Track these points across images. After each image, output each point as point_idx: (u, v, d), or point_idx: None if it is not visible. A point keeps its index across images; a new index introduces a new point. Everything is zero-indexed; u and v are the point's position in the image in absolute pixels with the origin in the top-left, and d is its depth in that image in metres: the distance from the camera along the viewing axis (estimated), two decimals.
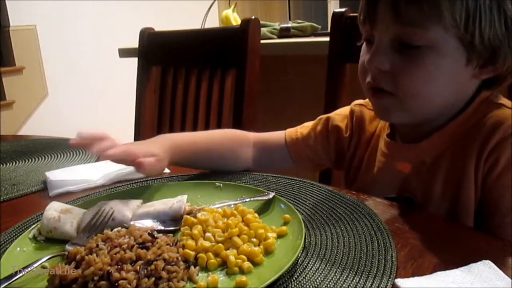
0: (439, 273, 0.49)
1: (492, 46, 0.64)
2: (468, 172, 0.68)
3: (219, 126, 1.35)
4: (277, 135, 0.94)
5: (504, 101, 0.71)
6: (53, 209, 0.64)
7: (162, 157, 0.79)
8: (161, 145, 0.82)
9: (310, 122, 0.94)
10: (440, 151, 0.72)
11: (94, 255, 0.51)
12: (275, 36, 1.86)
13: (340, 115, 0.91)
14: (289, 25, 1.89)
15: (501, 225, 0.67)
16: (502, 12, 0.63)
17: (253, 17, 1.28)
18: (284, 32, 1.87)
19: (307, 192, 0.74)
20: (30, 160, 1.07)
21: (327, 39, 1.21)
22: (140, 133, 1.53)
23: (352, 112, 0.89)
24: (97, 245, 0.53)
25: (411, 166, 0.76)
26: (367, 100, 0.88)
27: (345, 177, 0.91)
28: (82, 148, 0.79)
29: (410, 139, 0.77)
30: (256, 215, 0.63)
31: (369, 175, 0.83)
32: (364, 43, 0.75)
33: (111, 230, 0.59)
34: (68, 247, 0.58)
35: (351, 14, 1.14)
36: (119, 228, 0.61)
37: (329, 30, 1.21)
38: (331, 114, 0.92)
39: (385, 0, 0.66)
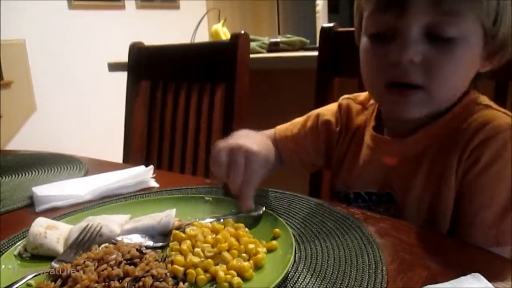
0: (429, 286, 0.49)
1: (504, 41, 0.65)
2: (449, 170, 0.68)
3: (208, 140, 1.35)
4: (267, 133, 0.93)
5: (491, 103, 0.72)
6: (39, 225, 0.63)
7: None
8: (266, 148, 0.78)
9: (300, 118, 0.93)
10: (423, 149, 0.72)
11: (81, 272, 0.50)
12: (264, 51, 1.88)
13: (329, 110, 0.90)
14: (278, 39, 1.91)
15: (471, 224, 0.67)
16: None
17: (242, 32, 1.29)
18: (273, 47, 1.89)
19: (297, 206, 0.74)
20: (16, 175, 1.06)
21: (315, 53, 1.22)
22: (129, 148, 1.52)
23: (340, 106, 0.89)
24: (84, 262, 0.53)
25: (394, 162, 0.75)
26: (354, 94, 0.88)
27: (332, 170, 0.90)
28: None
29: (397, 134, 0.76)
30: (246, 229, 0.63)
31: (353, 168, 0.82)
32: (368, 40, 0.70)
33: (99, 246, 0.58)
34: (54, 264, 0.57)
35: (339, 29, 1.15)
36: (107, 244, 0.60)
37: (317, 45, 1.22)
38: (321, 110, 0.91)
39: None
